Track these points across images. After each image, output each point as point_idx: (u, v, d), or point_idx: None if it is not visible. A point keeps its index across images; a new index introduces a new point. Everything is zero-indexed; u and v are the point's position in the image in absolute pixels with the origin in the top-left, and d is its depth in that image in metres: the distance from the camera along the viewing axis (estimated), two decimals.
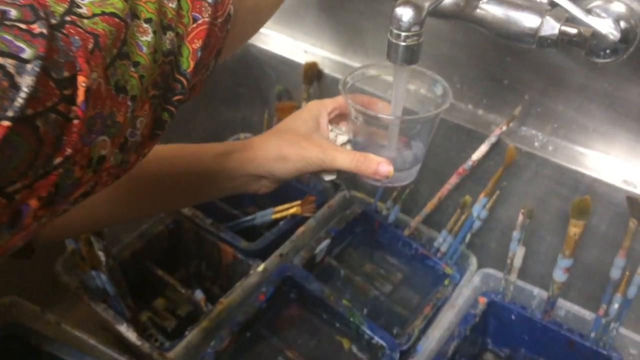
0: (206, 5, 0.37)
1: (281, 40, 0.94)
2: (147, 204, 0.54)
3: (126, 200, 0.52)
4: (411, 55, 0.47)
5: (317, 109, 0.56)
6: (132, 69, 0.30)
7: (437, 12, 0.64)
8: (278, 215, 0.89)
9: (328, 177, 0.57)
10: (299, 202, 0.87)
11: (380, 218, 0.87)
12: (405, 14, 0.46)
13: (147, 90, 0.32)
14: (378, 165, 0.51)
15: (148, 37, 0.31)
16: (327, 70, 0.89)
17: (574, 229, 0.68)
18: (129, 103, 0.30)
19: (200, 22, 0.36)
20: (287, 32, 0.94)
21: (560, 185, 0.73)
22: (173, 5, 0.34)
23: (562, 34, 0.55)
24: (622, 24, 0.62)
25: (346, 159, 0.52)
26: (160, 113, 0.35)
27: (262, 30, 0.98)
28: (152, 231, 0.87)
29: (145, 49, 0.31)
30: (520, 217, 0.71)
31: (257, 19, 0.48)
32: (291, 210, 0.88)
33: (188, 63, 0.35)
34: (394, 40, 0.47)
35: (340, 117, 0.58)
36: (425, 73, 0.55)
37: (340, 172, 0.56)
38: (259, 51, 0.94)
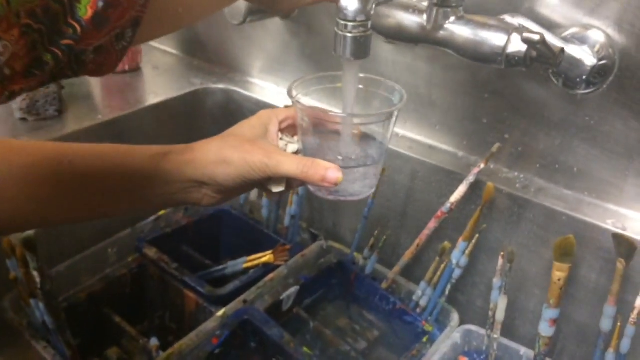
0: None
1: (265, 87, 0.93)
2: (74, 204, 0.50)
3: (50, 197, 0.48)
4: (359, 48, 0.45)
5: (267, 116, 0.53)
6: None
7: (403, 36, 0.63)
8: (250, 264, 0.84)
9: (276, 189, 0.52)
10: (271, 250, 0.82)
11: (357, 269, 0.81)
12: (350, 4, 0.44)
13: (18, 16, 0.30)
14: (326, 171, 0.47)
15: None
16: None
17: (559, 273, 0.61)
18: None
19: None
20: (271, 79, 0.94)
21: (545, 230, 0.68)
22: None
23: (528, 46, 0.52)
24: (600, 51, 0.60)
25: (292, 164, 0.48)
26: (42, 52, 0.32)
27: (245, 78, 0.98)
28: (115, 274, 0.82)
29: None
30: (500, 261, 0.65)
31: (189, 0, 0.47)
32: (263, 259, 0.83)
33: (85, 10, 0.34)
34: (341, 32, 0.45)
35: (293, 128, 0.55)
36: (381, 81, 0.52)
37: (289, 183, 0.52)
38: (242, 97, 0.94)
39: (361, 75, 0.52)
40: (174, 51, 1.09)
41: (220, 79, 0.98)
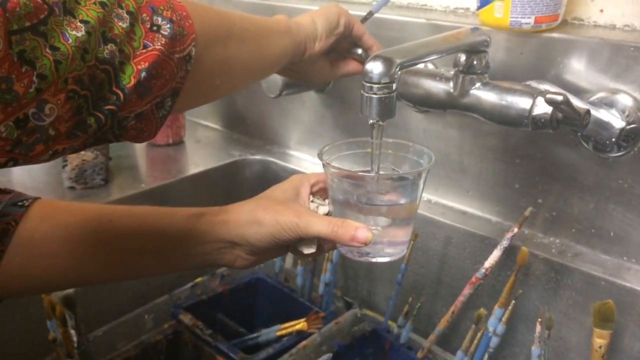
0: (160, 37, 0.39)
1: (301, 158, 0.96)
2: (112, 262, 0.52)
3: (89, 255, 0.51)
4: (384, 109, 0.47)
5: (299, 180, 0.55)
6: (48, 50, 0.31)
7: (431, 103, 0.65)
8: (283, 332, 0.84)
9: (307, 250, 0.53)
10: (305, 318, 0.82)
11: (391, 338, 0.79)
12: (375, 67, 0.46)
13: (66, 82, 0.33)
14: (356, 231, 0.48)
15: (78, 34, 0.33)
16: None
17: (599, 340, 0.59)
18: (35, 79, 0.31)
19: (150, 48, 0.38)
20: (307, 150, 0.97)
21: (584, 296, 0.66)
22: (124, 25, 0.37)
23: (553, 108, 0.53)
24: (628, 114, 0.61)
25: (323, 224, 0.49)
26: (86, 116, 0.35)
27: (282, 149, 1.01)
28: (150, 340, 0.82)
29: (71, 40, 0.33)
30: (538, 328, 0.63)
31: (226, 74, 0.50)
32: (297, 327, 0.83)
33: (129, 79, 0.37)
34: (367, 94, 0.47)
35: (324, 192, 0.56)
36: (409, 145, 0.54)
37: (320, 245, 0.53)
38: (279, 167, 0.97)
39: (390, 140, 0.54)
40: (215, 125, 1.14)
41: (258, 151, 1.02)
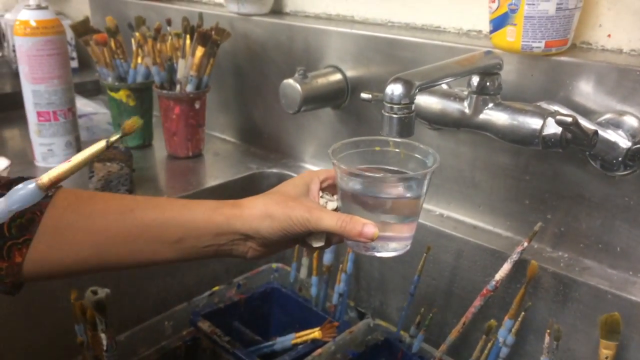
0: None
1: None
2: (133, 251, 0.55)
3: (111, 243, 0.54)
4: (403, 128, 0.50)
5: (309, 176, 0.58)
6: None
7: (446, 121, 0.68)
8: (298, 341, 0.86)
9: (316, 244, 0.56)
10: (320, 327, 0.85)
11: (403, 347, 0.82)
12: (395, 89, 0.50)
13: None
14: (363, 227, 0.51)
15: None
16: None
17: (605, 351, 0.62)
18: None
19: None
20: (322, 164, 1.00)
21: (591, 309, 0.68)
22: None
23: (563, 128, 0.56)
24: (634, 135, 0.63)
25: (332, 219, 0.52)
26: None
27: (298, 163, 1.05)
28: (170, 346, 0.85)
29: None
30: (547, 339, 0.66)
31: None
32: (312, 335, 0.85)
33: None
34: (387, 114, 0.50)
35: (333, 188, 0.59)
36: (416, 145, 0.56)
37: (329, 239, 0.56)
38: None
39: (397, 139, 0.56)
40: (232, 139, 1.18)
41: (274, 164, 1.05)
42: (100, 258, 0.54)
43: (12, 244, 0.52)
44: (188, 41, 1.01)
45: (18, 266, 0.52)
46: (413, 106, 0.50)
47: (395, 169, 0.57)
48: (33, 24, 0.95)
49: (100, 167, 0.86)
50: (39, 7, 0.96)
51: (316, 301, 0.94)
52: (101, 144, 0.42)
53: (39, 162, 1.01)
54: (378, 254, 0.55)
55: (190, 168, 1.05)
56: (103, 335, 0.64)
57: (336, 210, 0.57)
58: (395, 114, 0.49)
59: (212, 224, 0.55)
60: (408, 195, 0.55)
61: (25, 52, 0.96)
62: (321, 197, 0.58)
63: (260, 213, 0.54)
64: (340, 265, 0.88)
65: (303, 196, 0.56)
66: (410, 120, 0.50)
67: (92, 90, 1.46)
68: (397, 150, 0.56)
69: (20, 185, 0.39)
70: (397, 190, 0.55)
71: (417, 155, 0.56)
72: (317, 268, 0.91)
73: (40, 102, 0.97)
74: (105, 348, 0.65)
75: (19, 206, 0.38)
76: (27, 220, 0.52)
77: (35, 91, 0.97)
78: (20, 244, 0.52)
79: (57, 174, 0.40)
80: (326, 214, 0.52)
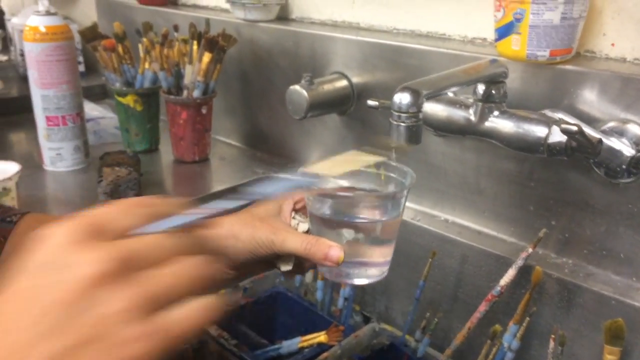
0: None
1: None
2: None
3: None
4: (411, 136, 0.51)
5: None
6: None
7: (452, 129, 0.69)
8: (305, 344, 0.87)
9: (284, 268, 0.53)
10: (325, 331, 0.86)
11: (409, 352, 0.82)
12: (403, 98, 0.51)
13: None
14: (329, 249, 0.48)
15: None
16: None
17: (610, 356, 0.62)
18: None
19: None
20: None
21: (595, 315, 0.69)
22: None
23: (568, 137, 0.57)
24: (638, 143, 0.64)
25: (297, 241, 0.49)
26: None
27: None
28: (178, 348, 0.86)
29: None
30: (552, 344, 0.66)
31: None
32: (318, 339, 0.86)
33: None
34: (395, 122, 0.51)
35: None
36: (396, 166, 0.53)
37: (301, 264, 0.53)
38: None
39: (379, 159, 0.51)
40: (238, 143, 1.19)
41: (280, 169, 1.06)
42: None
43: None
44: (195, 47, 1.02)
45: None
46: (421, 114, 0.51)
47: (373, 189, 0.53)
48: (42, 29, 0.96)
49: (109, 171, 0.87)
50: (48, 13, 0.97)
51: (321, 305, 0.94)
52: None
53: (48, 166, 1.02)
54: (350, 281, 0.51)
55: (196, 172, 1.06)
56: None
57: (307, 232, 0.53)
58: (403, 122, 0.50)
59: None
60: (382, 215, 0.51)
61: (35, 58, 0.97)
62: (293, 218, 0.54)
63: (225, 233, 0.51)
64: None
65: (273, 217, 0.53)
66: (418, 129, 0.51)
67: (99, 95, 1.47)
68: (379, 172, 0.52)
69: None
70: (370, 210, 0.51)
71: (396, 176, 0.53)
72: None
73: (49, 107, 0.99)
74: None
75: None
76: None
77: (45, 96, 0.98)
78: None
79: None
80: (292, 235, 0.49)
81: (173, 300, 0.32)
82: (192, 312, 0.33)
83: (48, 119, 0.99)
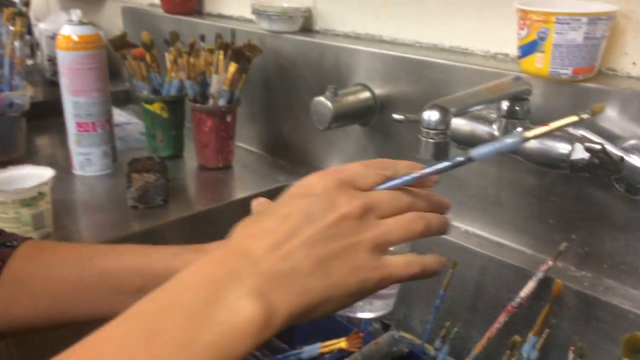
0: None
1: None
2: (94, 301, 0.52)
3: (71, 294, 0.52)
4: (439, 152, 0.53)
5: None
6: None
7: (474, 143, 0.70)
8: (325, 350, 0.89)
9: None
10: (346, 337, 0.87)
11: (428, 359, 0.84)
12: (432, 115, 0.53)
13: None
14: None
15: None
16: None
17: None
18: None
19: None
20: None
21: (614, 328, 0.70)
22: None
23: (591, 155, 0.59)
24: None
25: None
26: None
27: None
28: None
29: None
30: (571, 356, 0.68)
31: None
32: (338, 345, 0.88)
33: None
34: (424, 138, 0.53)
35: None
36: None
37: None
38: None
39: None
40: (260, 151, 1.21)
41: (301, 177, 1.08)
42: (61, 310, 0.52)
43: None
44: (221, 57, 1.05)
45: None
46: (449, 131, 0.53)
47: None
48: (75, 38, 0.99)
49: (138, 177, 0.90)
50: (81, 22, 1.00)
51: None
52: (573, 118, 0.43)
53: (77, 171, 1.05)
54: (352, 315, 0.50)
55: (220, 179, 1.08)
56: None
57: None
58: (432, 138, 0.52)
59: (171, 272, 0.46)
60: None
61: (67, 65, 1.00)
62: None
63: None
64: None
65: None
66: (446, 145, 0.53)
67: (123, 100, 1.50)
68: None
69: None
70: None
71: None
72: None
73: (80, 114, 1.02)
74: None
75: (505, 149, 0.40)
76: None
77: (76, 103, 1.01)
78: None
79: (540, 132, 0.42)
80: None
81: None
82: (411, 263, 0.41)
83: (78, 125, 1.02)
